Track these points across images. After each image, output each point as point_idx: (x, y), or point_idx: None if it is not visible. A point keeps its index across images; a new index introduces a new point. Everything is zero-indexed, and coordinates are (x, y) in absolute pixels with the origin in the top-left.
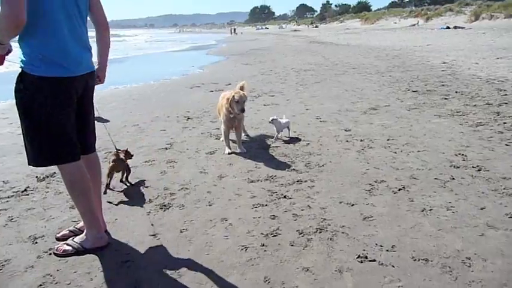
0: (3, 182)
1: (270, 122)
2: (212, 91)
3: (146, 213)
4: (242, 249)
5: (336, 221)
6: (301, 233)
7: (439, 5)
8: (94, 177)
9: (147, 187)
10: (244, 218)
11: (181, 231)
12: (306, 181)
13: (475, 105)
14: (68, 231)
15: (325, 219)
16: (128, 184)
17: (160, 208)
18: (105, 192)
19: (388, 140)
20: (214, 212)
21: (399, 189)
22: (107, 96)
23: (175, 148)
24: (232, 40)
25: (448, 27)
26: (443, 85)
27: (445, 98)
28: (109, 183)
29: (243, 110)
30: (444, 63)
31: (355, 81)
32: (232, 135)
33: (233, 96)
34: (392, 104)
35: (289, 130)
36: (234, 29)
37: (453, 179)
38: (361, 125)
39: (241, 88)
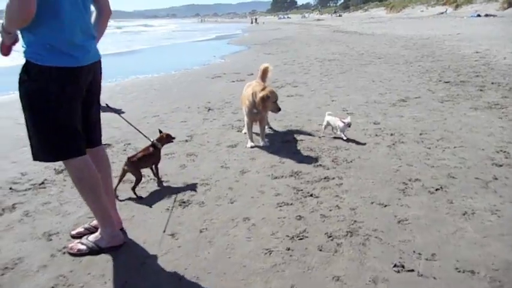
0: (22, 173)
1: (325, 126)
2: (234, 81)
3: (165, 210)
4: (266, 253)
5: (367, 223)
6: (330, 237)
7: None
8: (103, 172)
9: (166, 181)
10: (268, 217)
11: (201, 231)
12: (333, 178)
13: None
14: (83, 229)
15: (355, 221)
16: (157, 179)
17: (180, 205)
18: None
19: (420, 134)
20: (236, 210)
21: (436, 189)
22: (128, 86)
23: (195, 140)
24: (254, 29)
25: (479, 15)
26: (477, 76)
27: (481, 90)
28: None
29: (279, 109)
30: (477, 52)
31: (382, 72)
32: (255, 128)
33: (267, 95)
34: (423, 95)
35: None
36: (256, 19)
37: (496, 179)
38: (390, 117)
39: (264, 72)
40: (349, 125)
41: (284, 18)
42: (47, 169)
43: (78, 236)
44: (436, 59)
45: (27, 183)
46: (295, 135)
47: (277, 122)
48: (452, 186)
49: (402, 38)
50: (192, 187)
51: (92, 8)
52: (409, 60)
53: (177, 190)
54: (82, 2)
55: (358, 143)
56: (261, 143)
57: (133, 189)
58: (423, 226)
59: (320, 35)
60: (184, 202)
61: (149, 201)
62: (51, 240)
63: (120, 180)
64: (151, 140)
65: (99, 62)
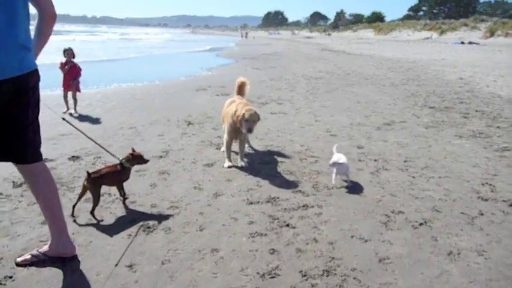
0: None
1: (331, 165)
2: (218, 95)
3: (127, 236)
4: None
5: (346, 261)
6: (304, 275)
7: (454, 19)
8: (39, 193)
9: (133, 202)
10: (239, 249)
11: (163, 263)
12: (312, 206)
13: (498, 127)
14: (30, 256)
15: (333, 258)
16: (123, 199)
17: (144, 231)
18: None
19: (405, 161)
20: (204, 239)
21: (420, 224)
22: (109, 94)
23: (170, 157)
24: (244, 43)
25: (462, 42)
26: (461, 102)
27: (465, 117)
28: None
29: (250, 131)
30: (461, 79)
31: (368, 93)
32: (235, 146)
33: (243, 114)
34: (408, 120)
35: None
36: (246, 33)
37: (482, 214)
38: (375, 141)
39: (241, 87)
40: (335, 164)
41: (274, 34)
42: (4, 181)
43: (23, 264)
44: (422, 83)
45: None
46: (276, 156)
47: (257, 141)
48: (436, 221)
49: (389, 60)
50: (160, 210)
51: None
52: (395, 82)
53: (143, 213)
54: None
55: None
56: (239, 163)
57: (91, 212)
58: (406, 267)
59: (308, 53)
60: (149, 227)
61: (111, 225)
62: None
63: (79, 198)
64: (119, 158)
65: (28, 74)
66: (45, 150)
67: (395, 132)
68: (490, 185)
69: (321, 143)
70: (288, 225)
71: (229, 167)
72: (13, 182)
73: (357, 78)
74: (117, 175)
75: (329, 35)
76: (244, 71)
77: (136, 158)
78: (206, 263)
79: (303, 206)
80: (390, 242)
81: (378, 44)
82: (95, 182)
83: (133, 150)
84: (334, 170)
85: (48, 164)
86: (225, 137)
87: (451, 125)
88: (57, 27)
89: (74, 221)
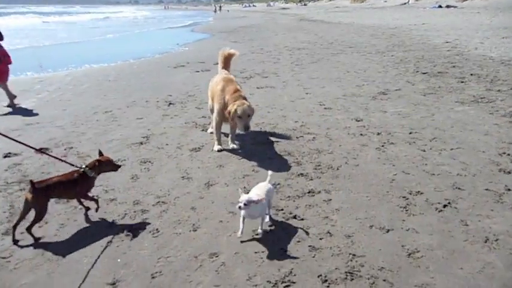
0: None
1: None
2: (198, 71)
3: (106, 244)
4: None
5: (370, 258)
6: (325, 281)
7: None
8: None
9: (112, 200)
10: (242, 252)
11: (153, 277)
12: (319, 192)
13: (499, 90)
14: None
15: (354, 255)
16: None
17: (127, 235)
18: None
19: (410, 133)
20: (200, 241)
21: (444, 206)
22: (80, 76)
23: (152, 143)
24: (219, 17)
25: (440, 6)
26: (454, 66)
27: (462, 81)
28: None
29: (247, 129)
30: (447, 42)
31: (356, 62)
32: (224, 128)
33: (235, 110)
34: (403, 87)
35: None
36: (220, 7)
37: (509, 190)
38: (373, 113)
39: (227, 58)
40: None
41: (249, 6)
42: None
43: None
44: (408, 49)
45: None
46: (269, 135)
47: None
48: (461, 200)
49: (369, 28)
50: (145, 207)
51: None
52: (380, 49)
53: (125, 213)
54: None
55: (342, 144)
56: (230, 146)
57: (28, 229)
58: (440, 261)
59: (287, 24)
60: (133, 231)
61: (86, 231)
62: None
63: (22, 216)
64: (81, 165)
65: None
66: (8, 143)
67: (392, 101)
68: (509, 154)
69: (315, 117)
70: (295, 216)
71: (220, 150)
72: None
73: (341, 47)
74: (72, 185)
75: (305, 5)
76: (223, 45)
77: (104, 165)
78: (205, 273)
79: (308, 192)
80: (415, 230)
81: (355, 12)
82: (40, 194)
83: (101, 154)
84: (242, 213)
85: (13, 159)
86: (215, 116)
87: (449, 91)
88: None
89: (15, 242)
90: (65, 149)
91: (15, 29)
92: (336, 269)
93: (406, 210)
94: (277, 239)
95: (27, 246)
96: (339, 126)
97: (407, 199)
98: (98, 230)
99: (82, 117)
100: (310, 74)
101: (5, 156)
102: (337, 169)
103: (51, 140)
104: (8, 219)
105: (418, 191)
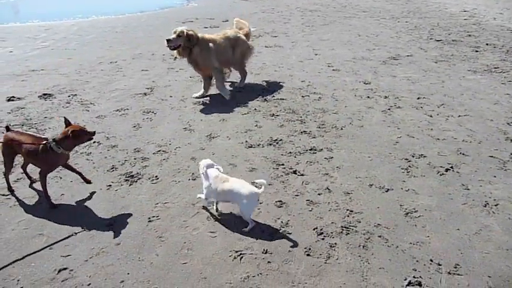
0: None
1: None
2: (207, 27)
3: (106, 187)
4: (235, 258)
5: (367, 215)
6: (320, 233)
7: None
8: None
9: (113, 147)
10: None
11: (150, 220)
12: (321, 150)
13: None
14: None
15: (352, 211)
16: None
17: (126, 180)
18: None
19: (418, 98)
20: (198, 190)
21: (446, 170)
22: (86, 27)
23: (156, 94)
24: None
25: None
26: (469, 35)
27: (476, 51)
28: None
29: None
30: (465, 11)
31: (368, 26)
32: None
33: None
34: (415, 53)
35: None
36: None
37: None
38: (382, 77)
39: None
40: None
41: None
42: None
43: None
44: (424, 16)
45: None
46: (275, 93)
47: (253, 76)
48: (464, 166)
49: None
50: (146, 155)
51: None
52: (395, 15)
53: (126, 159)
54: None
55: (348, 105)
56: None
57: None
58: (438, 221)
59: None
60: (132, 176)
61: (88, 173)
62: None
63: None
64: (48, 138)
65: None
66: (12, 88)
67: (403, 66)
68: None
69: (323, 78)
70: (295, 171)
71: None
72: None
73: (354, 10)
74: (33, 154)
75: None
76: (233, 2)
77: (74, 138)
78: (202, 220)
79: (310, 149)
80: (415, 192)
81: None
82: (5, 146)
83: (68, 123)
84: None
85: (16, 103)
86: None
87: (462, 59)
88: None
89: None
90: (68, 96)
91: None
92: (332, 223)
93: (408, 172)
94: (276, 191)
95: (28, 186)
96: (345, 88)
97: (409, 161)
98: (98, 174)
99: (87, 66)
100: (320, 35)
101: (8, 100)
102: (341, 129)
103: (55, 86)
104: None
105: (421, 154)
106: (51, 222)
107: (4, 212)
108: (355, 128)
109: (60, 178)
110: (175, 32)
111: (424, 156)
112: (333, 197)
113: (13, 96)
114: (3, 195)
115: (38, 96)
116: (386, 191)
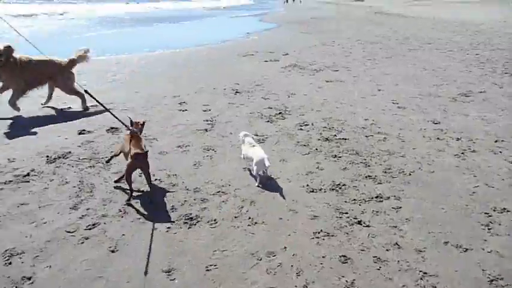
0: (8, 160)
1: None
2: (267, 61)
3: (165, 229)
4: None
5: (444, 279)
6: None
7: None
8: None
9: (174, 185)
10: (301, 254)
11: (207, 269)
12: (388, 198)
13: None
14: None
15: (425, 273)
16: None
17: (185, 223)
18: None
19: (496, 141)
20: (258, 237)
21: None
22: (153, 60)
23: (217, 130)
24: (290, 8)
25: None
26: None
27: None
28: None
29: None
30: None
31: (434, 59)
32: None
33: None
34: (488, 89)
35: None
36: None
37: None
38: (452, 116)
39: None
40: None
41: None
42: (38, 156)
43: None
44: (496, 48)
45: (9, 174)
46: (336, 132)
47: (314, 113)
48: None
49: (452, 23)
50: (205, 196)
51: None
52: (463, 47)
53: (185, 200)
54: None
55: (416, 147)
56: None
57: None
58: None
59: (361, 16)
60: (191, 219)
61: (148, 212)
62: (10, 264)
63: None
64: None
65: None
66: (84, 121)
67: (475, 104)
68: None
69: (387, 116)
70: (360, 222)
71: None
72: (47, 156)
73: (418, 42)
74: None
75: None
76: (293, 36)
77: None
78: (261, 273)
79: (376, 196)
80: (500, 254)
81: (437, 6)
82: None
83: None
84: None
85: (86, 137)
86: None
87: None
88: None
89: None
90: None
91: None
92: (404, 286)
93: (489, 229)
94: (339, 243)
95: (92, 224)
96: (413, 128)
97: (490, 216)
98: (159, 213)
99: (152, 100)
100: (383, 69)
101: (79, 133)
102: (409, 174)
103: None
104: (76, 194)
105: (504, 208)
106: (112, 264)
107: (69, 250)
108: (425, 174)
109: (122, 217)
110: None
111: (508, 211)
112: (403, 254)
113: (84, 130)
114: (69, 232)
115: (106, 130)
116: (465, 251)
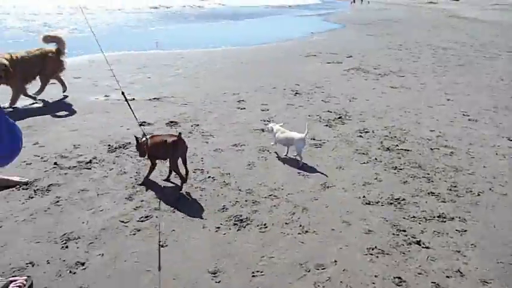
0: (74, 146)
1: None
2: (329, 62)
3: (215, 229)
4: None
5: None
6: None
7: None
8: None
9: (226, 184)
10: (352, 270)
11: (253, 275)
12: (452, 219)
13: None
14: None
15: None
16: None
17: (235, 224)
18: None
19: None
20: (307, 247)
21: None
22: (216, 56)
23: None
24: (355, 9)
25: None
26: None
27: None
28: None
29: None
30: None
31: None
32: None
33: None
34: None
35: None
36: None
37: None
38: None
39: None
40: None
41: None
42: (101, 144)
43: None
44: None
45: (73, 160)
46: (398, 142)
47: (375, 120)
48: None
49: None
50: (257, 198)
51: None
52: None
53: (237, 200)
54: None
55: (487, 165)
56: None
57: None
58: None
59: (433, 19)
60: (241, 220)
61: (198, 211)
62: (67, 247)
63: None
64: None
65: None
66: (145, 112)
67: None
68: None
69: (456, 128)
70: (419, 242)
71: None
72: (109, 145)
73: (496, 49)
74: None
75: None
76: (358, 37)
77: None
78: (309, 285)
79: (439, 216)
80: None
81: None
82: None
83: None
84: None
85: (146, 129)
86: None
87: None
88: None
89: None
90: (191, 126)
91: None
92: None
93: None
94: (395, 264)
95: (145, 217)
96: (484, 144)
97: None
98: (209, 212)
99: (212, 96)
100: (454, 78)
101: (140, 125)
102: (478, 195)
103: (181, 114)
104: (133, 185)
105: None
106: (160, 259)
107: (121, 240)
108: (496, 196)
109: (173, 212)
110: None
111: None
112: (466, 283)
113: (144, 121)
114: (122, 222)
115: (166, 123)
116: None
